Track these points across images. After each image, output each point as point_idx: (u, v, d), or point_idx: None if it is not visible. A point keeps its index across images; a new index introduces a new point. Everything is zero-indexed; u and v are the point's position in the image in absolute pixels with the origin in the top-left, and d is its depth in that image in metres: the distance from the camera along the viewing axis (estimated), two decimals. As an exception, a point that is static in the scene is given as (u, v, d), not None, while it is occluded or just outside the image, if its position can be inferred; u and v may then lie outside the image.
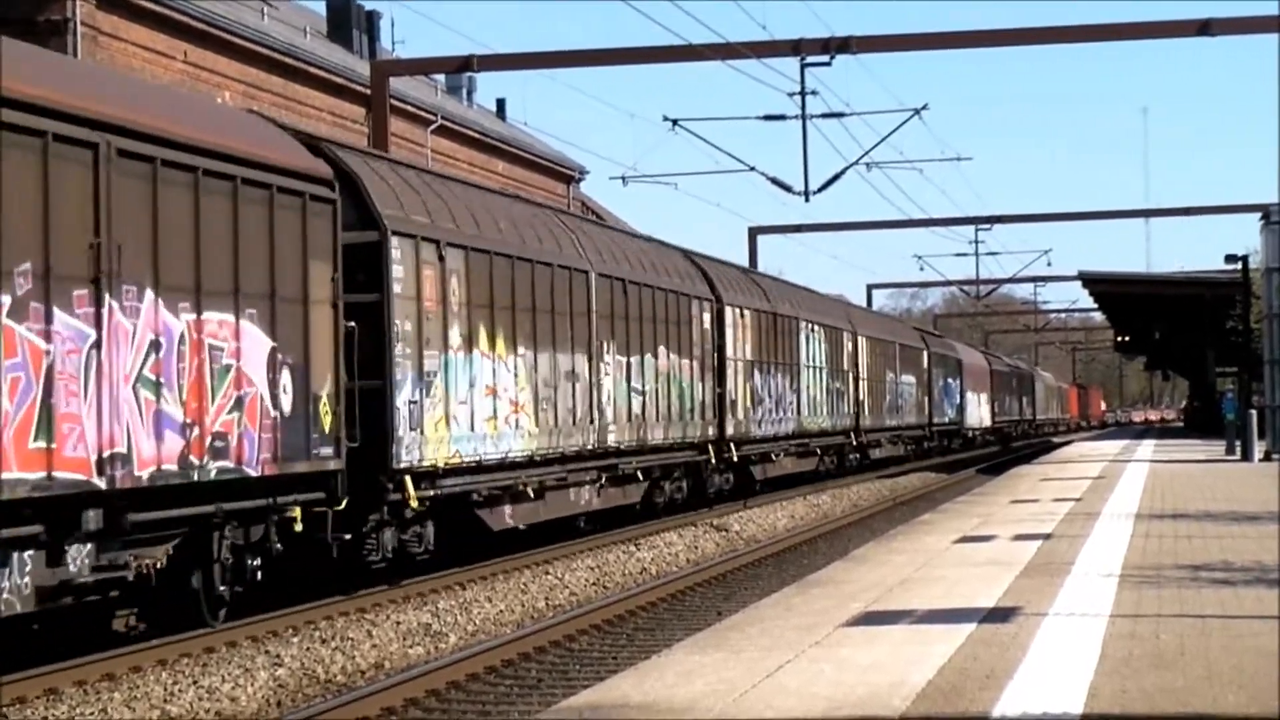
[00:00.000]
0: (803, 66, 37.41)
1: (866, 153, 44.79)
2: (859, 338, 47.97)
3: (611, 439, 26.67)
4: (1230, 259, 47.14)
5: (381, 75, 36.47)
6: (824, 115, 41.05)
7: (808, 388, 40.97)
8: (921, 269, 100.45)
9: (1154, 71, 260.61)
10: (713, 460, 32.66)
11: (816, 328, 42.53)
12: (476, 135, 53.96)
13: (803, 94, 38.61)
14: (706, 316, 32.64)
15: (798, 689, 9.75)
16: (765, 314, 37.28)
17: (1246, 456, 38.25)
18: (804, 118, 39.28)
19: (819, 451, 43.02)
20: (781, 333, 38.63)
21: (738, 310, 34.76)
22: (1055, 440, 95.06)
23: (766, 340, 37.11)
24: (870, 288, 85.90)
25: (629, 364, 27.67)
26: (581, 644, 17.61)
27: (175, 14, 36.24)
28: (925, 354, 61.21)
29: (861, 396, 47.88)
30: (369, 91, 37.60)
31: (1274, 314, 38.27)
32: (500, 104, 63.35)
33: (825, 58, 35.50)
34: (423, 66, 42.48)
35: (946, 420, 65.90)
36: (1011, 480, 35.98)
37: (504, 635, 17.74)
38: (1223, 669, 9.88)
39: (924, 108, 41.97)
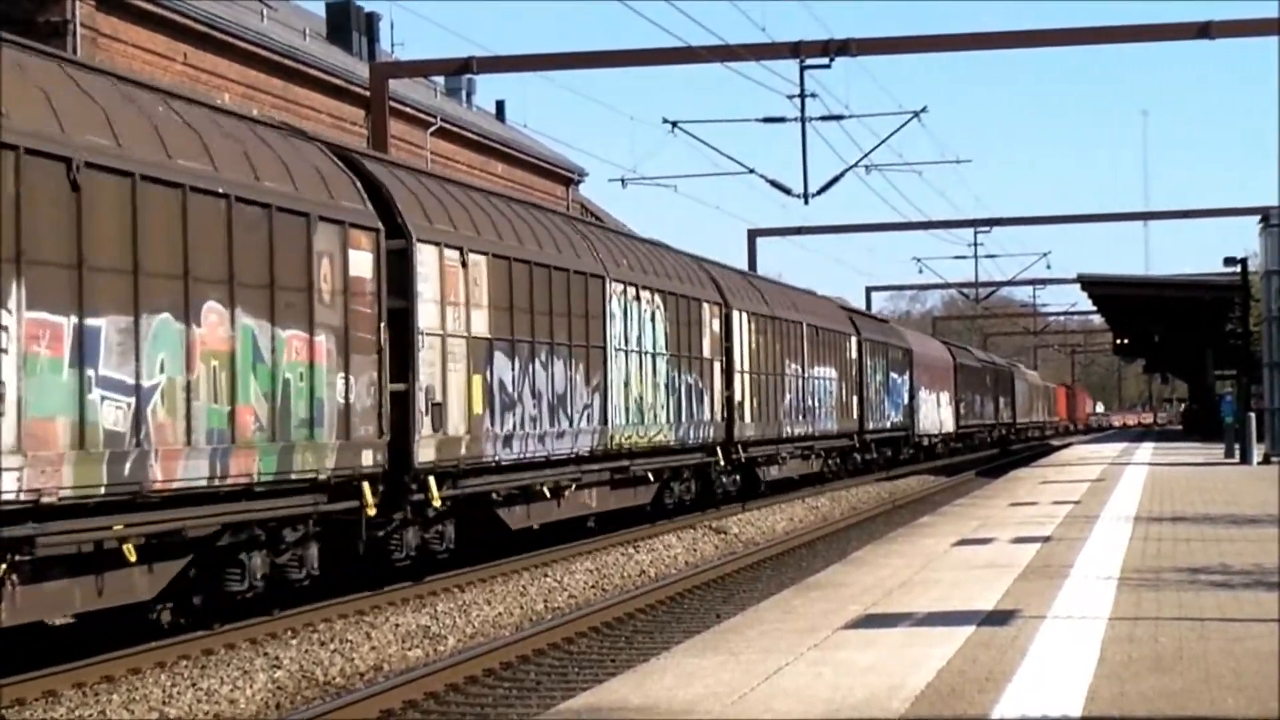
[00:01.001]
0: (802, 69, 37.40)
1: (866, 155, 44.81)
2: (734, 313, 34.61)
3: (8, 486, 13.12)
4: (1229, 262, 47.21)
5: (381, 77, 36.49)
6: (823, 118, 41.05)
7: (627, 384, 27.49)
8: (921, 271, 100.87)
9: (1153, 74, 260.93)
10: (371, 509, 18.56)
11: (647, 294, 28.83)
12: (476, 137, 53.97)
13: (802, 96, 38.60)
14: (362, 258, 18.57)
15: (796, 691, 9.75)
16: (526, 265, 23.20)
17: (1245, 459, 38.26)
18: (803, 120, 39.28)
19: (654, 477, 29.39)
20: (567, 297, 24.83)
21: (452, 253, 20.92)
22: (1054, 444, 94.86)
23: (530, 309, 23.34)
24: (869, 290, 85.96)
25: (87, 334, 14.14)
26: (580, 646, 17.61)
27: (175, 16, 36.26)
28: (854, 340, 47.74)
29: (739, 396, 34.46)
30: (368, 93, 37.65)
31: (1273, 317, 38.31)
32: (500, 106, 63.39)
33: (825, 60, 35.51)
34: (422, 68, 42.49)
35: (889, 425, 52.81)
36: (1011, 483, 35.99)
37: (503, 638, 17.74)
38: (1221, 672, 9.88)
39: (923, 110, 41.97)
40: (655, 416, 29.03)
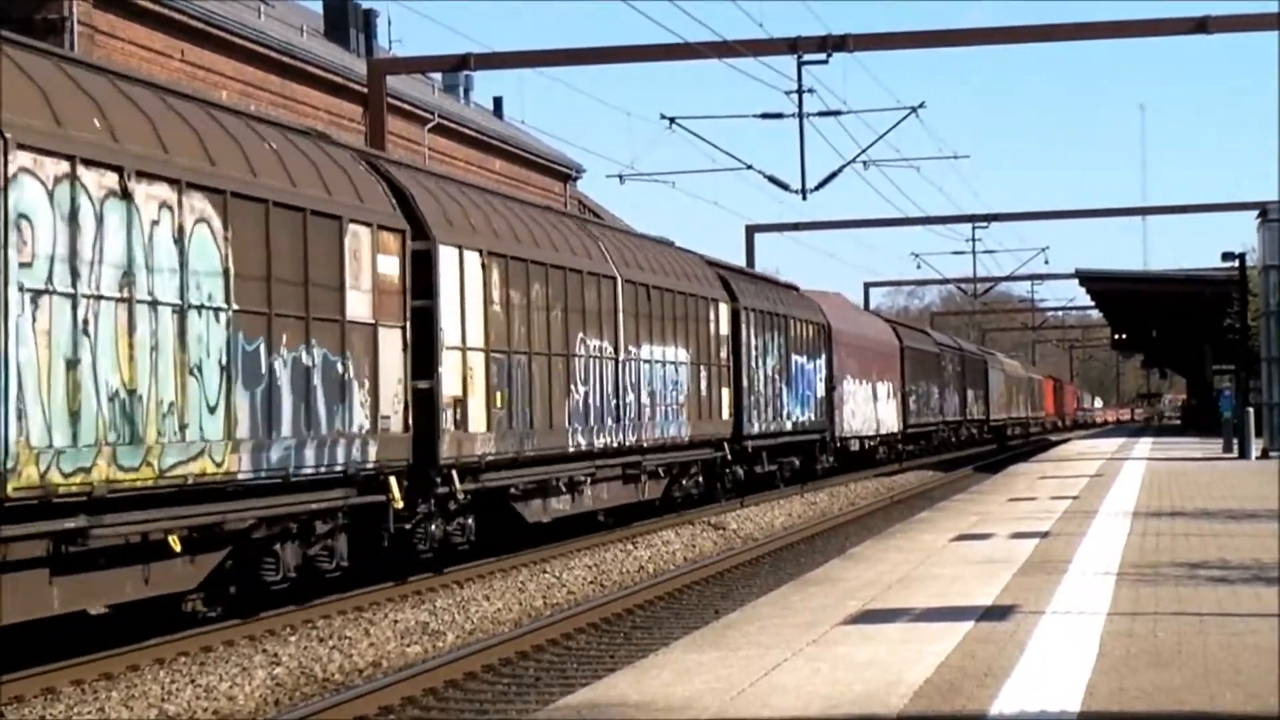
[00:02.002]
0: (800, 65, 37.42)
1: (863, 151, 44.77)
2: (443, 251, 20.82)
3: None
4: (1227, 257, 47.18)
5: (378, 74, 36.47)
6: (821, 113, 41.06)
7: (78, 365, 14.05)
8: (919, 267, 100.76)
9: (1151, 69, 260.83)
10: None
11: (160, 190, 15.36)
12: (474, 134, 53.97)
13: (800, 92, 38.64)
14: None
15: (795, 687, 9.75)
16: None
17: (1244, 454, 38.31)
18: (801, 116, 39.31)
19: (189, 545, 15.68)
20: None
21: None
22: (1053, 439, 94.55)
23: None
24: (867, 285, 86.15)
25: None
26: (579, 642, 17.61)
27: (173, 13, 36.26)
28: (723, 310, 33.94)
29: (454, 389, 21.03)
30: (366, 90, 37.62)
31: (1271, 311, 38.38)
32: (497, 102, 63.40)
33: (822, 56, 35.48)
34: (420, 65, 42.49)
35: (791, 426, 39.14)
36: (1009, 478, 36.01)
37: (502, 634, 17.74)
38: (1220, 667, 9.88)
39: (921, 106, 42.00)
40: (185, 427, 15.48)
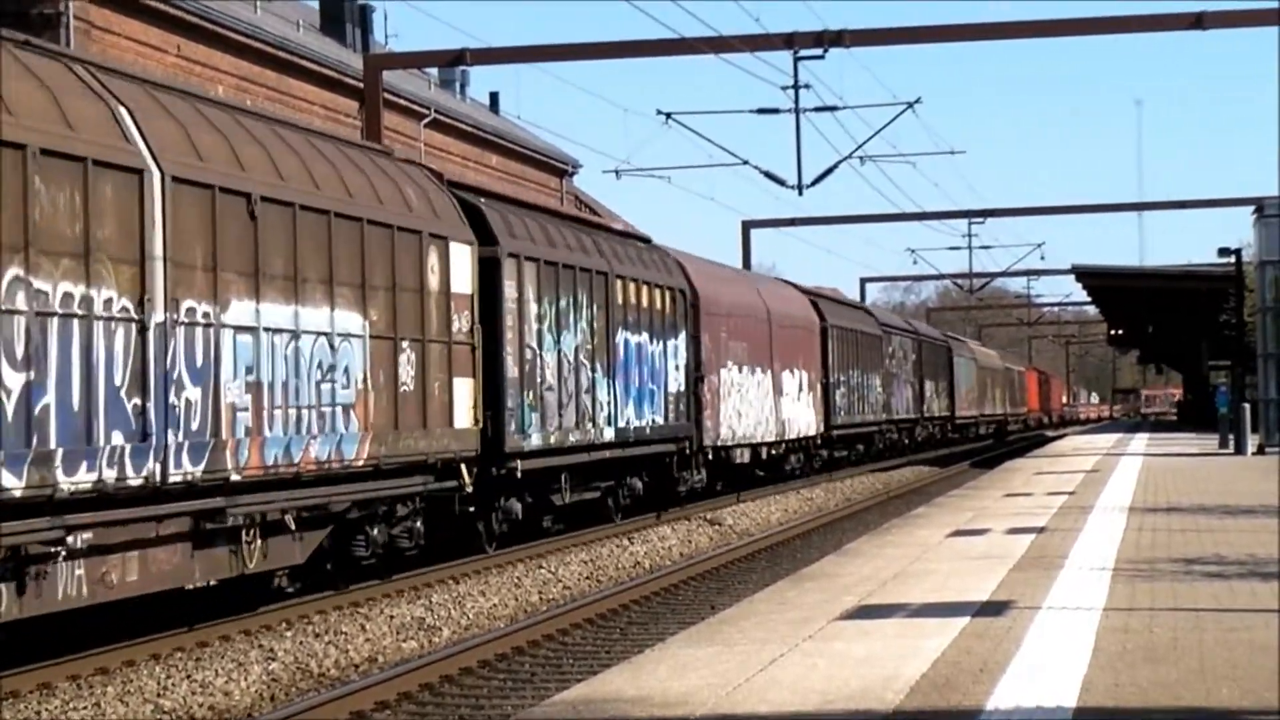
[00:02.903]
0: (796, 60, 37.43)
1: (860, 146, 44.75)
2: None
3: None
4: (1224, 252, 47.25)
5: (375, 69, 36.40)
6: (817, 109, 41.03)
7: None
8: (915, 263, 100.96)
9: (1148, 64, 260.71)
10: None
11: None
12: (470, 129, 53.95)
13: (796, 87, 38.65)
14: None
15: (791, 682, 9.75)
16: None
17: (1240, 450, 38.36)
18: (797, 111, 39.31)
19: None
20: None
21: None
22: (1049, 435, 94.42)
23: None
24: (863, 281, 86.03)
25: None
26: (575, 638, 17.61)
27: (168, 8, 36.22)
28: (455, 253, 21.15)
29: None
30: (362, 85, 37.60)
31: (1267, 307, 38.47)
32: (493, 98, 63.36)
33: (818, 51, 35.44)
34: (416, 60, 42.40)
35: (613, 436, 27.00)
36: (1005, 474, 36.04)
37: (497, 629, 17.74)
38: (1216, 662, 9.88)
39: (917, 101, 41.95)
40: None
